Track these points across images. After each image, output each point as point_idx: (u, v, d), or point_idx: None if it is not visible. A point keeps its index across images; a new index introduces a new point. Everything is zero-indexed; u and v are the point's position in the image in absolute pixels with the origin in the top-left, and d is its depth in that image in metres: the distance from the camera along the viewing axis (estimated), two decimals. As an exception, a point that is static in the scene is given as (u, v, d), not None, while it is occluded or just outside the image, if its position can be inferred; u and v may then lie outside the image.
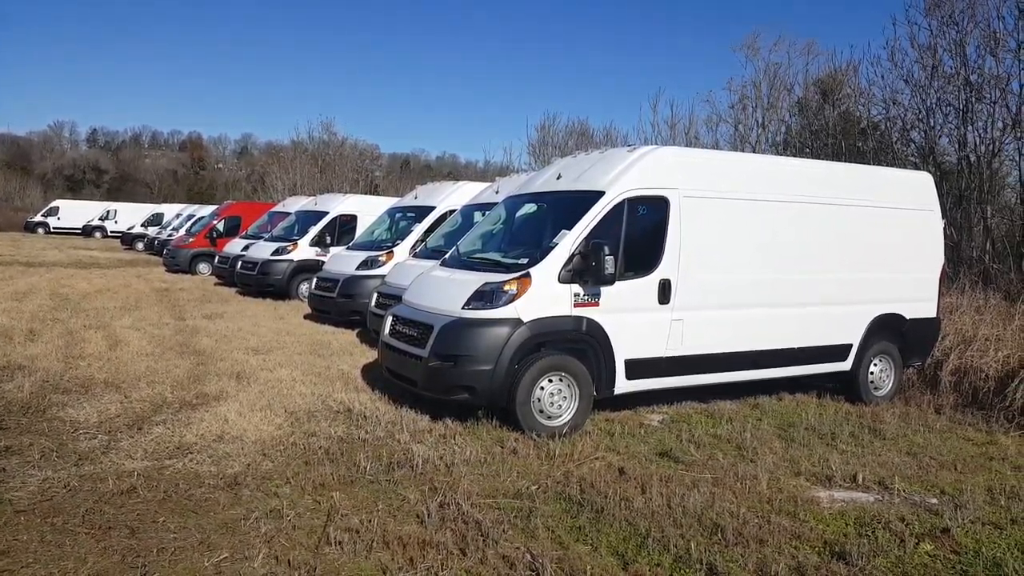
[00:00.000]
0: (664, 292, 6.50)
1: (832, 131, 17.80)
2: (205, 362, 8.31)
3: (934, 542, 4.25)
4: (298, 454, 5.36)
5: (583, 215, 6.29)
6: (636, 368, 6.46)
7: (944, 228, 8.71)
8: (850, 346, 7.81)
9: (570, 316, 6.16)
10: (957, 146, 14.65)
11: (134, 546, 3.84)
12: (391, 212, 13.61)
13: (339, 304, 11.63)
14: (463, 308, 6.18)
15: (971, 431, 6.99)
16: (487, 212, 8.88)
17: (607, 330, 6.26)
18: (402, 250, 11.78)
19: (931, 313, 8.34)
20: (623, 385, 6.45)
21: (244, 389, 7.04)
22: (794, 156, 16.74)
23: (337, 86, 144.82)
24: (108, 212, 46.46)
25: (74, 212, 47.85)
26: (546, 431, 6.00)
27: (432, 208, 12.44)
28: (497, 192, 10.31)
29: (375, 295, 9.92)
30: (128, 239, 35.74)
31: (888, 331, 8.06)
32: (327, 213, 15.67)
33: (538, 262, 6.17)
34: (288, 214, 17.48)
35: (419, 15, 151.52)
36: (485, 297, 6.13)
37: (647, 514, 4.44)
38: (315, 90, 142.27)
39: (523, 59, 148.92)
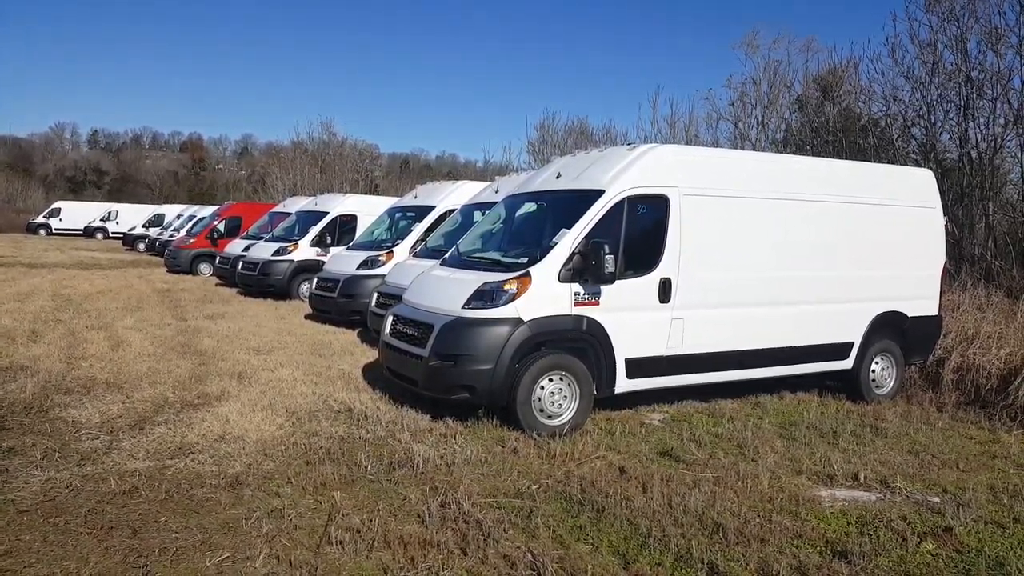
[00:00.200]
0: (664, 291, 6.50)
1: (832, 128, 17.76)
2: (207, 362, 8.32)
3: (936, 541, 4.24)
4: (299, 454, 5.36)
5: (583, 214, 6.28)
6: (637, 367, 6.46)
7: (945, 225, 8.69)
8: (851, 344, 7.80)
9: (570, 315, 6.16)
10: (958, 143, 14.62)
11: (136, 546, 3.84)
12: (391, 212, 13.61)
13: (340, 304, 11.64)
14: (463, 307, 6.18)
15: (973, 429, 6.98)
16: (487, 211, 8.87)
17: (607, 329, 6.25)
18: (402, 250, 11.79)
19: (933, 311, 8.33)
20: (624, 384, 6.45)
21: (245, 389, 7.05)
22: (794, 153, 16.71)
23: (337, 86, 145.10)
24: (109, 213, 46.51)
25: (75, 213, 47.87)
26: (547, 430, 6.00)
27: (432, 208, 12.44)
28: (497, 191, 10.31)
29: (375, 295, 9.93)
30: (129, 240, 35.79)
31: (889, 329, 8.04)
32: (327, 213, 15.67)
33: (538, 261, 6.17)
34: (288, 214, 17.49)
35: (418, 15, 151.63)
36: (485, 296, 6.13)
37: (648, 513, 4.43)
38: (315, 90, 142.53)
39: (522, 58, 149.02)
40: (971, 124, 14.30)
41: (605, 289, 6.21)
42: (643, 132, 22.54)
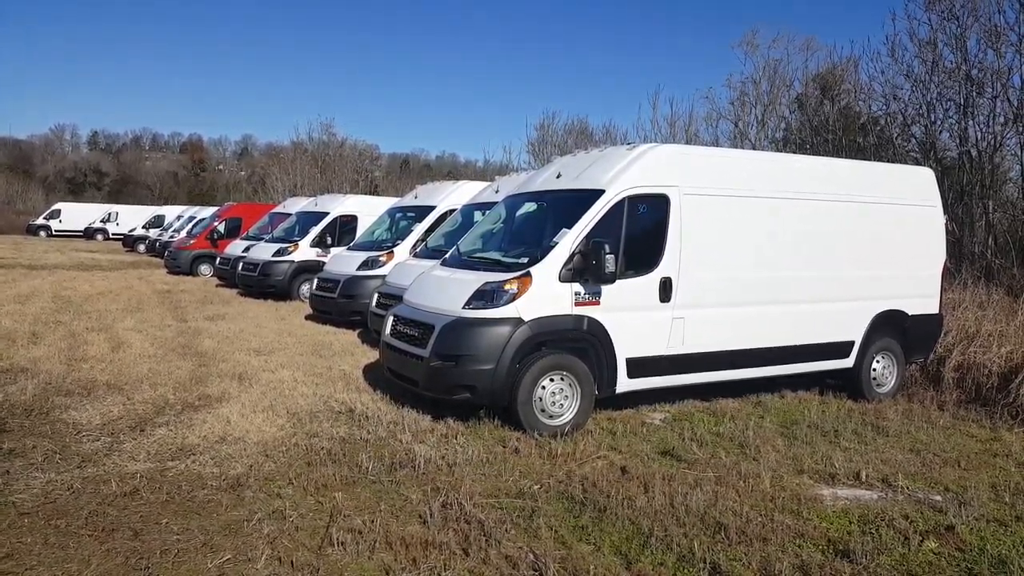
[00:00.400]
0: (665, 290, 6.49)
1: (832, 127, 17.76)
2: (207, 363, 8.32)
3: (938, 540, 4.24)
4: (300, 455, 5.36)
5: (583, 214, 6.28)
6: (637, 367, 6.45)
7: (945, 224, 8.68)
8: (852, 343, 7.80)
9: (571, 315, 6.15)
10: (958, 141, 14.62)
11: (137, 548, 3.84)
12: (391, 212, 13.61)
13: (340, 305, 11.64)
14: (464, 308, 6.18)
15: (975, 428, 6.97)
16: (487, 211, 8.87)
17: (608, 329, 6.25)
18: (402, 250, 11.78)
19: (933, 309, 8.33)
20: (625, 384, 6.45)
21: (246, 390, 7.04)
22: (794, 152, 16.71)
23: (336, 86, 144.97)
24: (109, 214, 46.55)
25: (76, 215, 47.89)
26: (548, 430, 6.00)
27: (432, 208, 12.44)
28: (497, 191, 10.31)
29: (376, 295, 9.92)
30: (129, 241, 35.81)
31: (890, 328, 8.04)
32: (327, 214, 15.67)
33: (538, 261, 6.17)
34: (289, 215, 17.50)
35: (418, 15, 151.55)
36: (486, 296, 6.13)
37: (650, 513, 4.43)
38: (315, 91, 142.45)
39: (522, 58, 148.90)
40: (971, 122, 14.30)
41: (606, 289, 6.21)
42: (643, 131, 22.56)
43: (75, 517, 4.16)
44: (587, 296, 6.18)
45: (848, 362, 7.83)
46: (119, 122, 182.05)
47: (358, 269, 11.77)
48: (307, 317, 12.56)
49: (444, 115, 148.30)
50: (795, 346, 7.36)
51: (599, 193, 6.40)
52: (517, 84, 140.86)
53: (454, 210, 11.63)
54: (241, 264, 15.95)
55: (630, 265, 6.36)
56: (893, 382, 8.18)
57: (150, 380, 7.37)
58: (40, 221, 48.43)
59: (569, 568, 3.74)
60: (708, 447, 5.92)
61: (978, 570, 3.94)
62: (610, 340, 6.27)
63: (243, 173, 76.91)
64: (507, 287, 6.07)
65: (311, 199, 18.55)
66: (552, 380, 6.13)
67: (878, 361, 8.06)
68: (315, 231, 15.30)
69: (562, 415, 6.16)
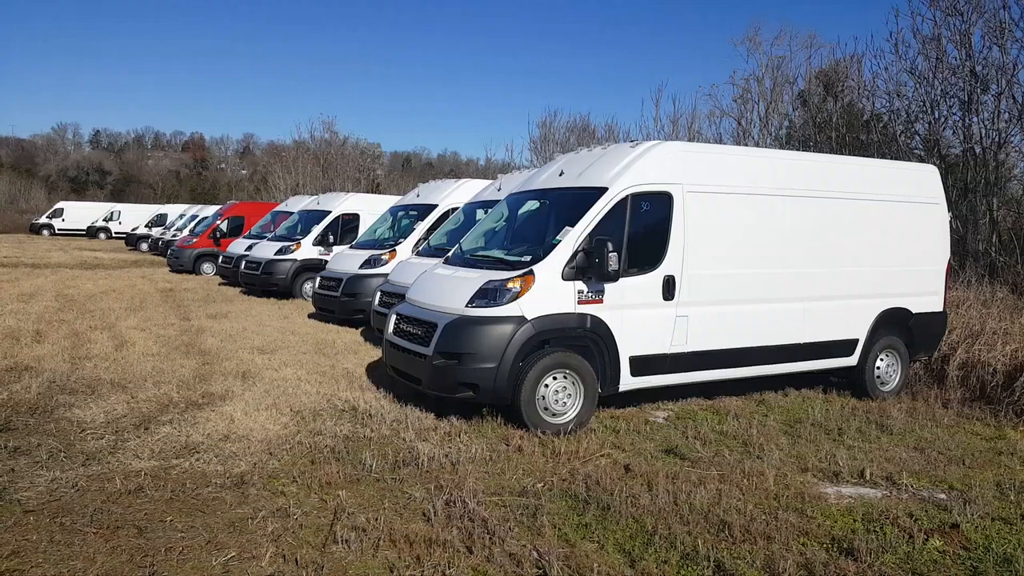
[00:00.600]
0: (668, 288, 6.48)
1: (835, 124, 17.73)
2: (211, 362, 8.33)
3: (943, 538, 4.22)
4: (304, 453, 5.36)
5: (586, 212, 6.27)
6: (641, 365, 6.44)
7: (949, 221, 8.66)
8: (856, 341, 7.78)
9: (574, 313, 6.14)
10: (962, 138, 14.58)
11: (142, 545, 3.84)
12: (393, 211, 13.61)
13: (343, 303, 11.64)
14: (467, 306, 6.17)
15: (979, 426, 6.96)
16: (489, 209, 8.86)
17: (611, 327, 6.24)
18: (405, 248, 11.78)
19: (938, 307, 8.30)
20: (628, 382, 6.44)
21: (250, 388, 7.05)
22: (797, 150, 16.67)
23: (338, 85, 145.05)
24: (112, 213, 46.58)
25: (78, 213, 47.95)
26: (551, 428, 5.99)
27: (434, 206, 12.44)
28: (499, 189, 10.30)
29: (378, 293, 9.93)
30: (132, 240, 35.87)
31: (894, 325, 8.03)
32: (330, 212, 15.68)
33: (541, 259, 6.16)
34: (291, 213, 17.51)
35: (420, 13, 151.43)
36: (489, 295, 6.12)
37: (654, 511, 4.43)
38: (316, 89, 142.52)
39: (524, 56, 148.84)
40: (975, 119, 14.26)
41: (609, 287, 6.20)
42: (646, 129, 22.56)
43: (80, 515, 4.17)
44: (590, 294, 6.17)
45: (852, 360, 7.81)
46: (121, 121, 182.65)
47: (361, 267, 11.77)
48: (310, 315, 12.57)
49: (446, 113, 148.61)
50: (799, 344, 7.35)
51: (602, 191, 6.39)
52: (519, 82, 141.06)
53: (456, 208, 11.63)
54: (244, 263, 15.96)
55: (633, 263, 6.35)
56: (897, 380, 8.16)
57: (154, 378, 7.39)
58: (43, 220, 48.49)
59: (573, 566, 3.74)
60: (712, 445, 5.91)
61: (983, 568, 3.92)
62: (613, 338, 6.26)
63: (245, 172, 77.04)
64: (510, 285, 6.07)
65: (313, 198, 18.54)
66: (555, 378, 6.12)
67: (882, 359, 8.04)
68: (317, 230, 15.31)
69: (565, 413, 6.15)
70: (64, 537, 3.90)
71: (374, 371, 8.05)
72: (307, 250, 15.14)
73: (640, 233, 6.49)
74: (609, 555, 3.91)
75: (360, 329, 11.12)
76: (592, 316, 6.19)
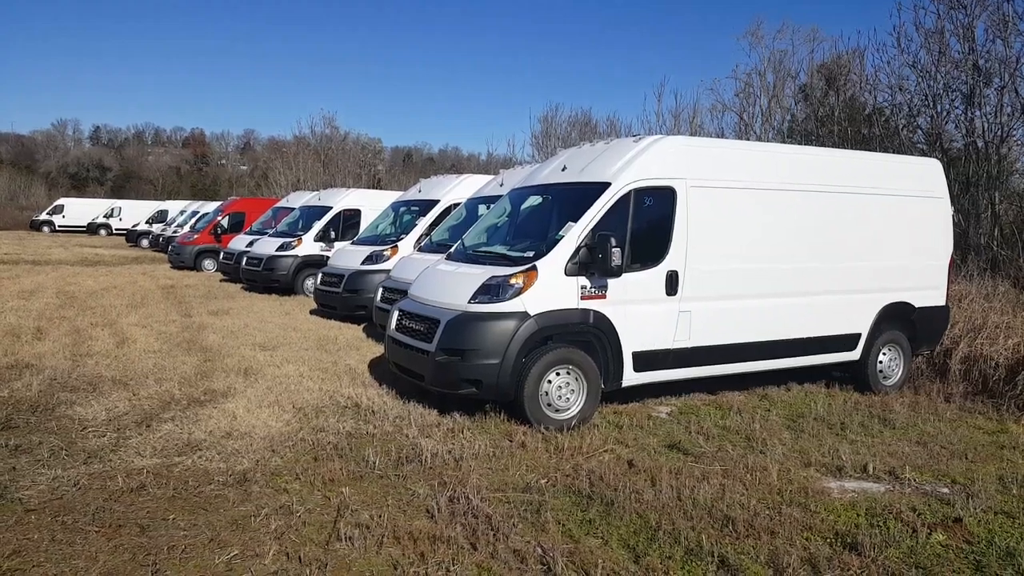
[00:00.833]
0: (671, 283, 6.47)
1: (837, 118, 17.68)
2: (212, 359, 8.32)
3: (946, 532, 4.22)
4: (307, 450, 5.35)
5: (589, 207, 6.25)
6: (644, 360, 6.43)
7: (952, 215, 8.64)
8: (859, 335, 7.77)
9: (577, 309, 6.13)
10: (964, 132, 14.54)
11: (145, 544, 3.84)
12: (395, 206, 13.58)
13: (345, 299, 11.63)
14: (469, 302, 6.16)
15: (981, 419, 6.95)
16: (492, 205, 8.84)
17: (614, 322, 6.23)
18: (407, 244, 11.76)
19: (940, 301, 8.29)
20: (631, 377, 6.43)
21: (252, 385, 7.04)
22: (799, 144, 16.64)
23: (338, 80, 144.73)
24: (113, 210, 46.56)
25: (79, 210, 47.94)
26: (554, 424, 5.99)
27: (436, 202, 12.41)
28: (501, 185, 10.27)
29: (380, 289, 9.92)
30: (133, 236, 35.81)
31: (897, 320, 8.01)
32: (331, 208, 15.65)
33: (544, 255, 6.14)
34: (292, 209, 17.48)
35: (421, 7, 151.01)
36: (491, 291, 6.11)
37: (657, 507, 4.42)
38: (317, 84, 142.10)
39: (525, 50, 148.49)
40: (978, 113, 14.23)
41: (612, 282, 6.19)
42: (648, 124, 22.53)
43: (82, 513, 4.16)
44: (593, 290, 6.15)
45: (855, 354, 7.80)
46: (121, 117, 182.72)
47: (362, 263, 11.76)
48: (311, 312, 12.56)
49: (447, 108, 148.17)
50: (802, 339, 7.33)
51: (605, 186, 6.37)
52: (520, 76, 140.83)
53: (458, 204, 11.60)
54: (245, 259, 15.95)
55: (636, 258, 6.34)
56: (900, 374, 8.15)
57: (155, 375, 7.38)
58: (43, 217, 48.49)
59: (577, 562, 3.73)
60: (715, 440, 5.91)
61: (986, 562, 3.92)
62: (616, 334, 6.25)
63: (245, 168, 76.92)
64: (513, 281, 6.05)
65: (314, 193, 18.54)
66: (558, 374, 6.11)
67: (885, 353, 8.03)
68: (319, 225, 15.29)
69: (568, 409, 6.15)
70: (66, 536, 3.90)
71: (376, 367, 8.04)
72: (308, 246, 15.12)
73: (643, 228, 6.47)
74: (613, 551, 3.91)
75: (362, 325, 11.11)
76: (595, 312, 6.17)
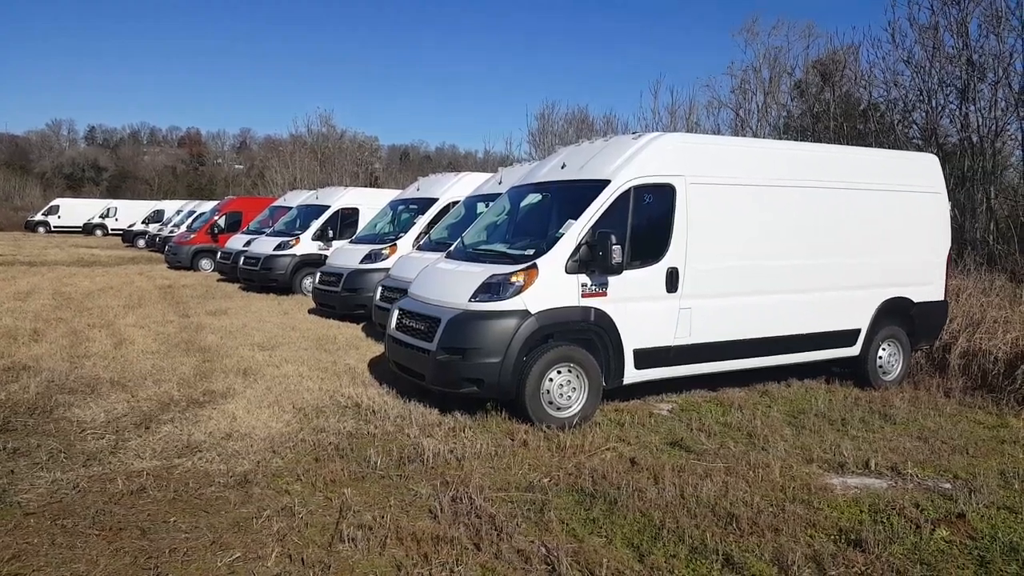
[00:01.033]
0: (672, 280, 6.46)
1: (833, 114, 17.69)
2: (211, 359, 8.28)
3: (950, 528, 4.21)
4: (308, 450, 5.33)
5: (589, 204, 6.23)
6: (645, 357, 6.42)
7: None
8: (858, 331, 7.77)
9: (578, 307, 6.12)
10: (959, 127, 14.57)
11: (145, 547, 3.81)
12: (393, 205, 13.54)
13: (343, 298, 11.60)
14: (470, 300, 6.14)
15: (981, 414, 6.95)
16: (491, 203, 8.81)
17: (615, 320, 6.22)
18: (405, 243, 11.72)
19: (939, 296, 8.30)
20: (632, 375, 6.42)
21: (251, 386, 7.01)
22: (795, 140, 16.64)
23: (335, 78, 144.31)
24: (108, 210, 46.40)
25: (74, 210, 47.79)
26: (556, 423, 5.97)
27: (435, 200, 12.37)
28: (500, 183, 10.24)
29: (380, 288, 9.89)
30: (129, 236, 35.71)
31: (896, 315, 8.01)
32: (329, 207, 15.60)
33: (544, 253, 6.13)
34: (289, 208, 17.43)
35: (417, 5, 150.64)
36: (492, 289, 6.09)
37: (661, 505, 4.41)
38: (313, 83, 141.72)
39: (522, 48, 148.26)
40: (972, 108, 14.25)
41: (612, 280, 6.17)
42: (644, 121, 22.54)
43: (81, 516, 4.13)
44: (594, 287, 6.14)
45: (854, 350, 7.80)
46: (116, 117, 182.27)
47: (361, 262, 11.72)
48: (310, 311, 12.52)
49: (443, 106, 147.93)
50: (802, 335, 7.33)
51: (605, 183, 6.35)
52: (517, 74, 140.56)
53: (457, 202, 11.56)
54: (242, 258, 15.89)
55: (636, 256, 6.32)
56: (899, 370, 8.16)
57: (154, 377, 7.34)
58: (39, 217, 48.33)
59: (581, 561, 3.72)
60: (717, 437, 5.90)
61: (990, 557, 3.92)
62: (617, 331, 6.24)
63: (241, 167, 76.71)
64: (513, 279, 6.03)
65: (312, 192, 18.47)
66: (559, 372, 6.10)
67: (884, 349, 8.04)
68: (316, 224, 15.24)
69: (570, 407, 6.13)
70: (66, 539, 3.87)
71: (376, 367, 8.02)
72: (306, 245, 15.07)
73: (643, 226, 6.46)
74: (618, 550, 3.90)
75: (361, 324, 11.08)
76: (596, 309, 6.16)
